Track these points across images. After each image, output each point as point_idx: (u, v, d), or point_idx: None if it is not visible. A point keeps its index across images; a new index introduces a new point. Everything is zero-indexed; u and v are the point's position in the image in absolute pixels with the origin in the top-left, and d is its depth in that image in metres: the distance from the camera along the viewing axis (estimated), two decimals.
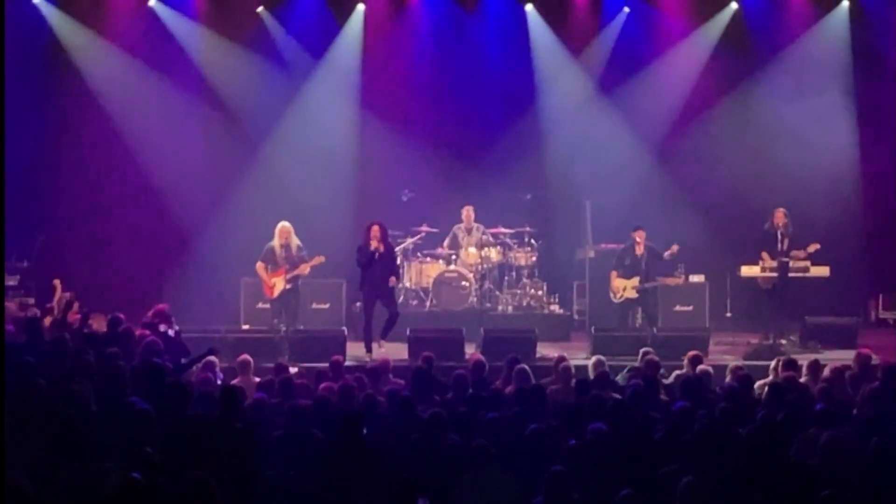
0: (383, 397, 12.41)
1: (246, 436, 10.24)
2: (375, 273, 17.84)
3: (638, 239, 19.16)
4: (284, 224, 18.80)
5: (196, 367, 13.90)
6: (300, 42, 22.00)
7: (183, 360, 13.97)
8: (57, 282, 17.82)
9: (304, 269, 18.69)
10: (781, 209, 19.04)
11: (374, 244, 17.68)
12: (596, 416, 10.95)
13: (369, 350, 17.61)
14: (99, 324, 15.48)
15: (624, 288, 19.11)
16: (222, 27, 21.66)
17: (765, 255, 18.84)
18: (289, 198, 20.73)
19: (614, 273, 19.29)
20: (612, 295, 19.32)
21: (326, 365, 14.12)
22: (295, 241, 18.77)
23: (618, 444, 10.24)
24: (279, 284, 18.64)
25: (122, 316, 15.04)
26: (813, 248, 18.80)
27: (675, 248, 19.02)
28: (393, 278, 18.23)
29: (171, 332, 15.10)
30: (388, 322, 17.94)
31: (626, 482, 9.25)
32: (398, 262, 19.44)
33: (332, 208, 21.11)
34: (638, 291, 19.04)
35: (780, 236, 18.83)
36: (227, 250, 20.51)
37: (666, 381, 13.81)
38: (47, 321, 15.74)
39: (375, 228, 17.80)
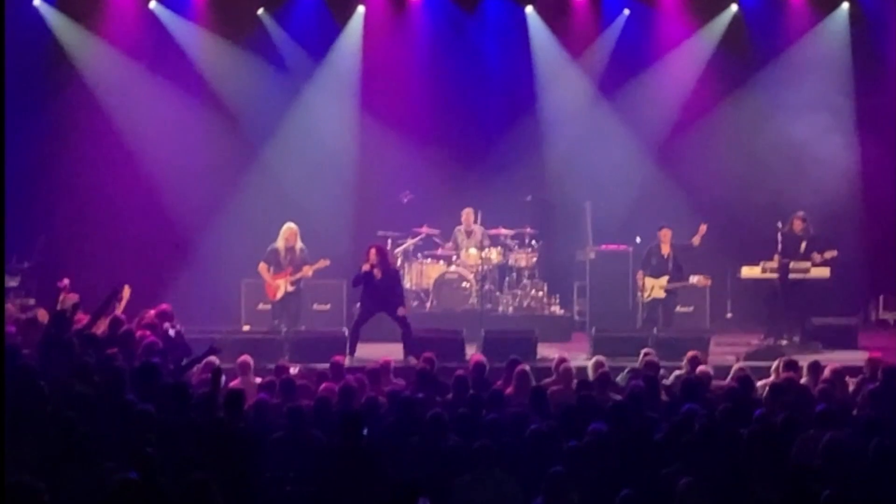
0: (384, 398, 12.41)
1: (246, 437, 10.24)
2: (374, 296, 17.69)
3: (663, 238, 19.21)
4: (291, 226, 18.83)
5: (197, 367, 13.90)
6: (300, 44, 22.00)
7: (184, 361, 13.94)
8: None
9: (308, 271, 18.71)
10: (800, 214, 19.08)
11: (365, 266, 17.60)
12: (596, 416, 10.97)
13: (352, 353, 17.41)
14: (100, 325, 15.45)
15: (652, 287, 19.17)
16: (222, 29, 21.67)
17: (776, 257, 18.86)
18: (289, 199, 20.75)
19: (641, 273, 19.37)
20: (640, 294, 19.37)
21: (327, 366, 14.14)
22: (299, 244, 18.81)
23: (618, 445, 10.25)
24: (282, 286, 18.69)
25: (122, 317, 15.05)
26: (830, 254, 18.82)
27: (703, 227, 19.03)
28: (402, 308, 17.82)
29: (171, 332, 15.10)
30: (405, 338, 17.56)
31: (625, 483, 9.25)
32: (402, 281, 19.27)
33: (333, 210, 21.13)
34: (666, 291, 19.11)
35: (781, 238, 18.84)
36: (227, 252, 20.53)
37: (666, 382, 13.80)
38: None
39: (371, 252, 17.70)
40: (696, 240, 19.13)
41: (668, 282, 19.12)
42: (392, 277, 17.95)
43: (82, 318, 14.55)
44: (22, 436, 9.69)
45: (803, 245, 18.94)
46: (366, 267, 17.54)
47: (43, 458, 9.31)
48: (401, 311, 17.72)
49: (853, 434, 10.68)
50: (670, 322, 19.18)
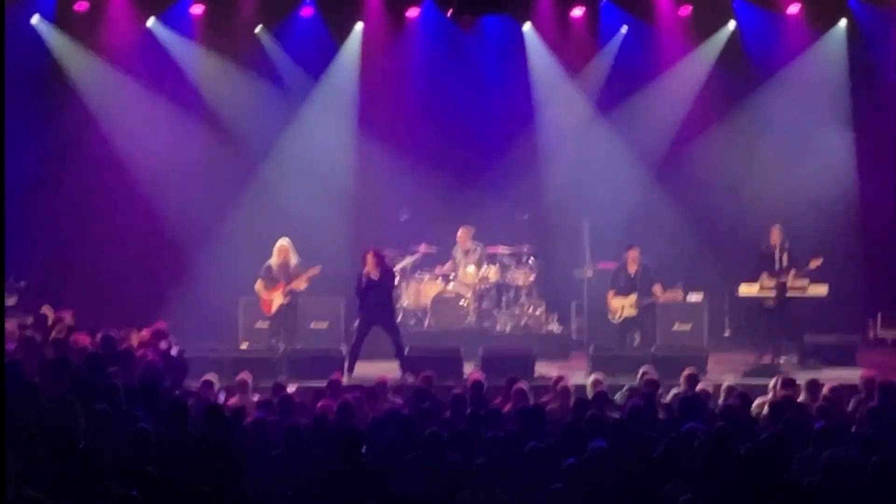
0: (382, 416, 12.39)
1: (244, 455, 10.22)
2: (371, 299, 17.78)
3: (631, 258, 19.21)
4: (282, 244, 18.92)
5: (195, 386, 13.90)
6: (298, 62, 22.02)
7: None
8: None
9: (301, 280, 18.76)
10: (777, 226, 19.07)
11: (365, 270, 17.67)
12: (595, 434, 10.96)
13: (350, 371, 17.42)
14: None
15: (622, 307, 19.17)
16: (220, 47, 21.68)
17: (764, 275, 18.85)
18: (287, 217, 20.72)
19: (611, 293, 19.36)
20: (610, 316, 19.34)
21: (325, 384, 14.14)
22: (294, 260, 18.85)
23: (616, 463, 10.24)
24: (277, 299, 18.77)
25: (113, 335, 15.02)
26: (815, 263, 18.76)
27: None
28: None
29: (173, 351, 15.10)
30: (398, 354, 17.69)
31: (624, 500, 9.25)
32: (396, 282, 19.39)
33: (331, 228, 21.11)
34: (637, 309, 19.08)
35: (778, 253, 18.87)
36: (225, 270, 20.50)
37: (664, 400, 13.79)
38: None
39: (368, 256, 17.77)
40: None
41: (638, 299, 19.10)
42: (389, 277, 18.10)
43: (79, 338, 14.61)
44: (23, 453, 9.68)
45: (784, 258, 18.92)
46: (365, 270, 17.64)
47: (44, 476, 9.30)
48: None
49: (852, 452, 10.68)
50: (654, 339, 19.21)
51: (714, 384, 14.78)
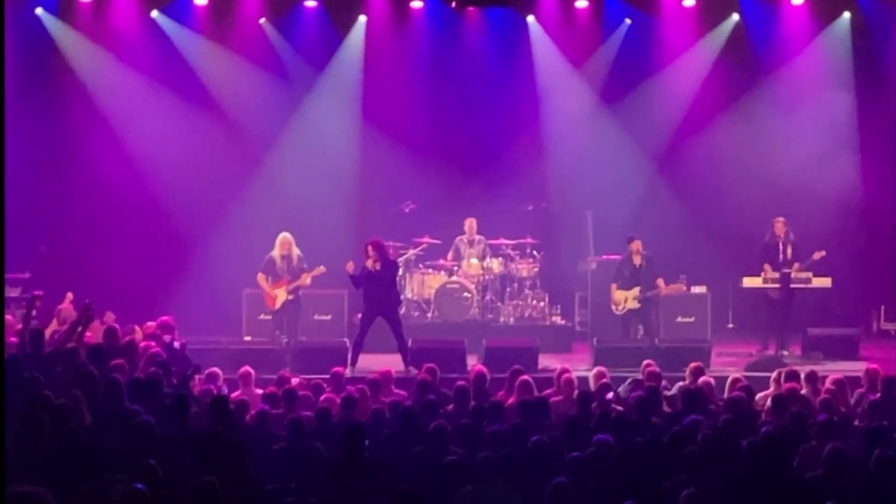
0: (385, 409, 12.39)
1: (246, 448, 10.21)
2: (374, 292, 17.69)
3: (635, 249, 19.14)
4: (285, 235, 18.85)
5: (198, 377, 13.89)
6: (302, 53, 22.04)
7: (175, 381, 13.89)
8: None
9: (306, 279, 18.72)
10: (780, 218, 19.10)
11: (367, 263, 17.63)
12: (598, 427, 10.96)
13: (353, 364, 17.34)
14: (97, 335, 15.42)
15: (625, 299, 19.11)
16: (225, 38, 21.69)
17: (767, 266, 18.86)
18: (290, 209, 20.77)
19: (614, 286, 19.27)
20: (613, 307, 19.28)
21: (328, 376, 14.13)
22: (296, 252, 18.83)
23: (620, 456, 10.22)
24: (281, 295, 18.70)
25: (117, 327, 15.01)
26: (818, 255, 18.81)
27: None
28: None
29: (176, 344, 15.09)
30: (400, 347, 17.60)
31: (628, 494, 9.24)
32: (399, 274, 19.33)
33: (334, 219, 21.15)
34: (640, 301, 19.04)
35: (781, 246, 18.88)
36: (228, 262, 20.54)
37: (668, 393, 13.78)
38: (49, 332, 15.65)
39: (369, 247, 17.67)
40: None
41: (641, 291, 19.06)
42: (391, 269, 17.94)
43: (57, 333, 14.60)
44: (27, 447, 9.68)
45: (789, 250, 18.94)
46: (368, 263, 17.56)
47: (48, 470, 9.30)
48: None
49: (855, 445, 10.68)
50: (657, 331, 19.18)
51: (717, 377, 14.75)
